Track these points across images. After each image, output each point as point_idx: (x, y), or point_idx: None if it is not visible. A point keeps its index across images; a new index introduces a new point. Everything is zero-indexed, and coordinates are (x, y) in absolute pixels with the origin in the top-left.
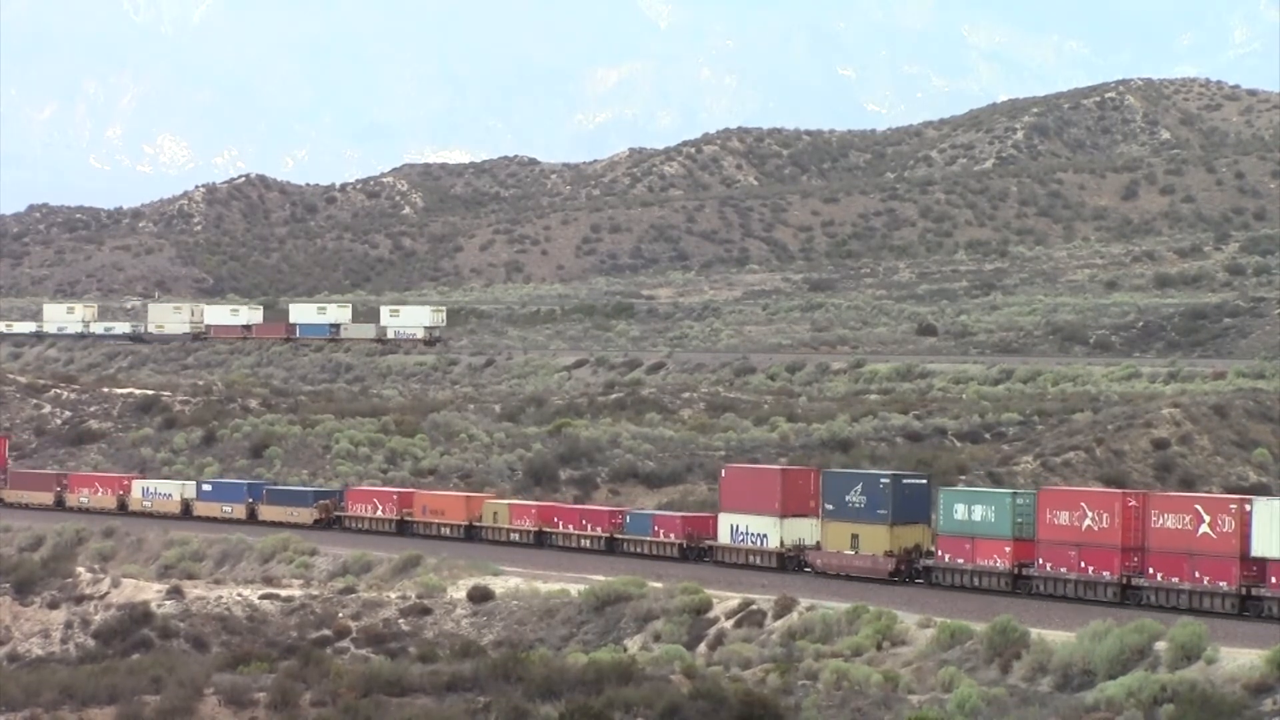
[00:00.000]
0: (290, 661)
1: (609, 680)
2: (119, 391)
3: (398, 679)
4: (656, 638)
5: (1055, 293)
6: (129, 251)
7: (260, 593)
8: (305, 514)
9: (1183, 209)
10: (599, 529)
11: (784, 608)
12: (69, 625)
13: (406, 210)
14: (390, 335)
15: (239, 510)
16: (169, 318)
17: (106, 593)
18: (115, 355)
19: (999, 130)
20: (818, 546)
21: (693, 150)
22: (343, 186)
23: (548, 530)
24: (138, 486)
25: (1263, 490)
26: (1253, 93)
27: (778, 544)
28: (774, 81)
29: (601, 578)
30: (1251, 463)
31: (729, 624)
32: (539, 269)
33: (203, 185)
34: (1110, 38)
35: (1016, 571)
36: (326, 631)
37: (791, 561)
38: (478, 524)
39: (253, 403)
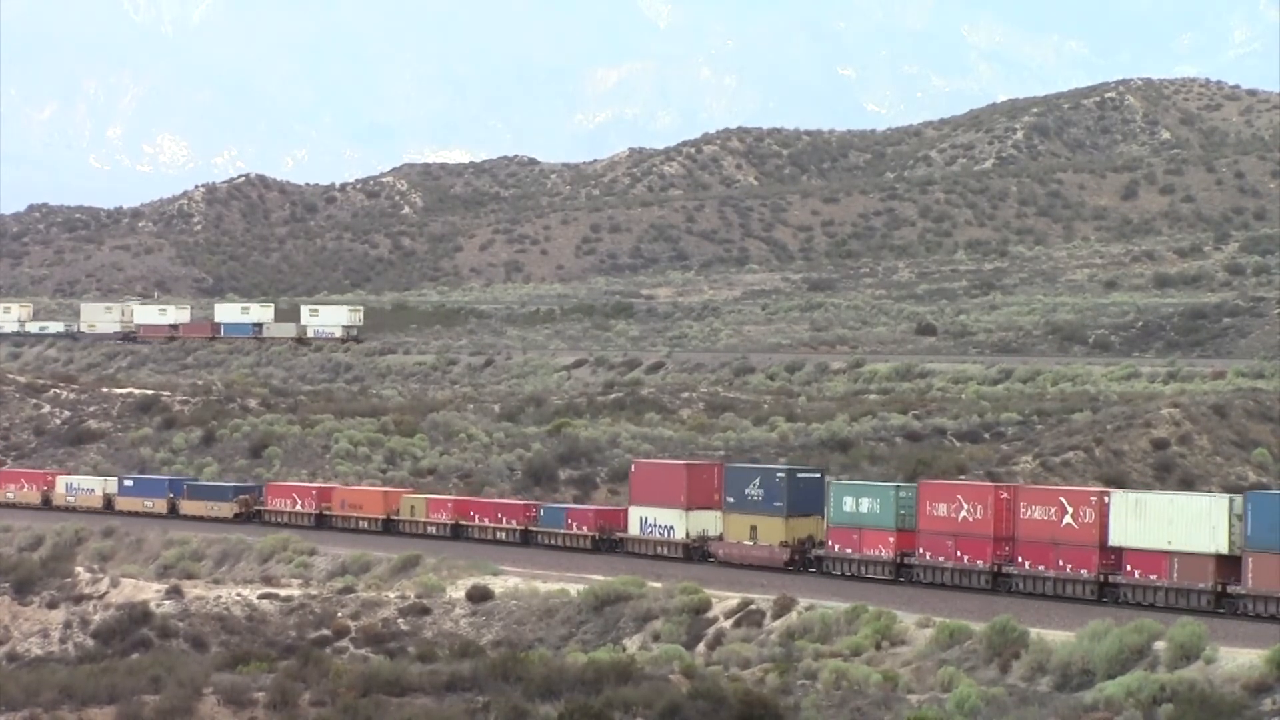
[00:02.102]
0: (289, 661)
1: (608, 680)
2: (118, 391)
3: (397, 679)
4: (655, 637)
5: (1055, 293)
6: (129, 251)
7: (259, 592)
8: (225, 508)
9: (1183, 209)
10: (514, 522)
11: (783, 607)
12: (68, 625)
13: (406, 210)
14: (310, 334)
15: (160, 505)
16: (100, 317)
17: (105, 592)
18: (115, 355)
19: (999, 130)
20: (720, 538)
21: (693, 150)
22: (343, 186)
23: (464, 523)
24: (61, 482)
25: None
26: (1253, 93)
27: (683, 535)
28: (774, 81)
29: (601, 577)
30: (1251, 463)
31: (728, 624)
32: (539, 269)
33: (203, 185)
34: (1110, 38)
35: (899, 560)
36: (326, 631)
37: (696, 552)
38: (395, 517)
39: (252, 403)
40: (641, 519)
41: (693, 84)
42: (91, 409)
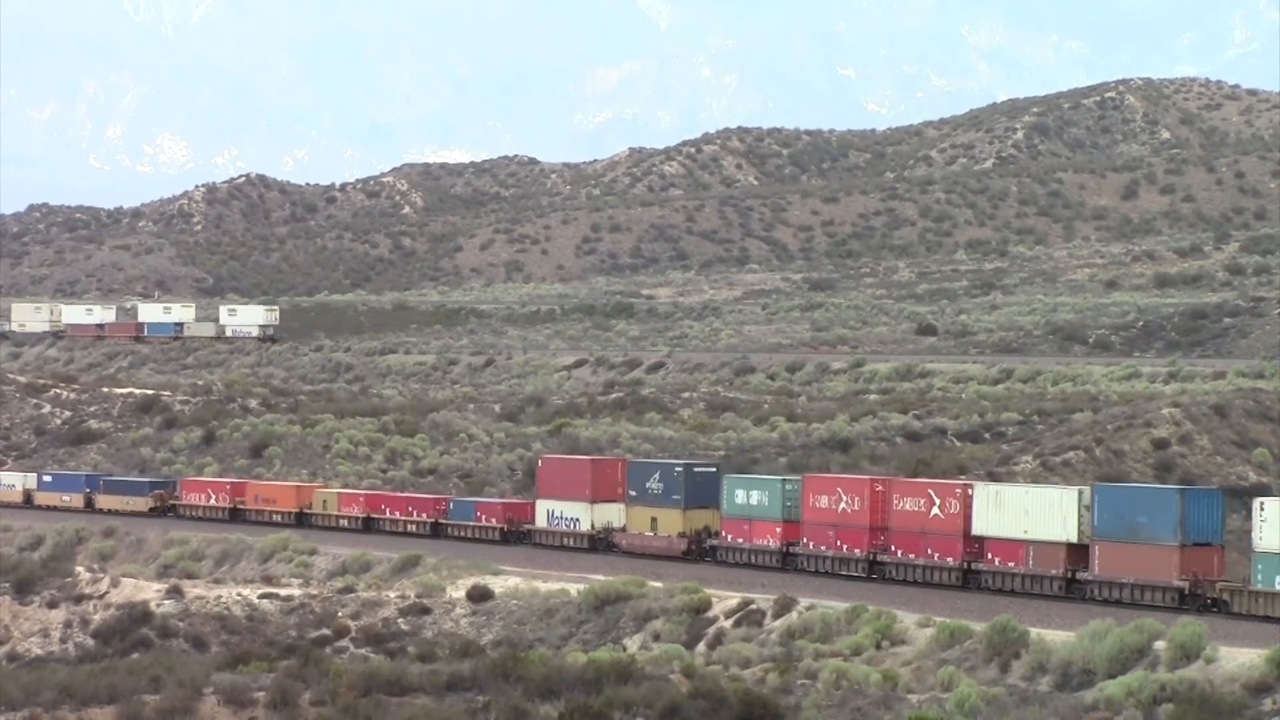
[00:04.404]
0: (290, 661)
1: (608, 680)
2: (119, 391)
3: (397, 679)
4: (656, 637)
5: (1055, 292)
6: (129, 251)
7: (259, 592)
8: (141, 503)
9: (1183, 209)
10: (424, 515)
11: (783, 607)
12: (68, 625)
13: (406, 210)
14: (229, 333)
15: (77, 500)
16: (30, 316)
17: (106, 592)
18: (115, 355)
19: (999, 130)
20: (623, 529)
21: (693, 150)
22: (343, 186)
23: (375, 516)
24: None
25: (1262, 490)
26: (1253, 93)
27: (589, 527)
28: (774, 81)
29: (601, 577)
30: (1251, 463)
31: (728, 623)
32: (539, 269)
33: (203, 185)
34: (1110, 38)
35: (785, 550)
36: (326, 631)
37: (601, 543)
38: (308, 511)
39: (253, 403)
40: (549, 512)
41: (693, 84)
42: (92, 409)
